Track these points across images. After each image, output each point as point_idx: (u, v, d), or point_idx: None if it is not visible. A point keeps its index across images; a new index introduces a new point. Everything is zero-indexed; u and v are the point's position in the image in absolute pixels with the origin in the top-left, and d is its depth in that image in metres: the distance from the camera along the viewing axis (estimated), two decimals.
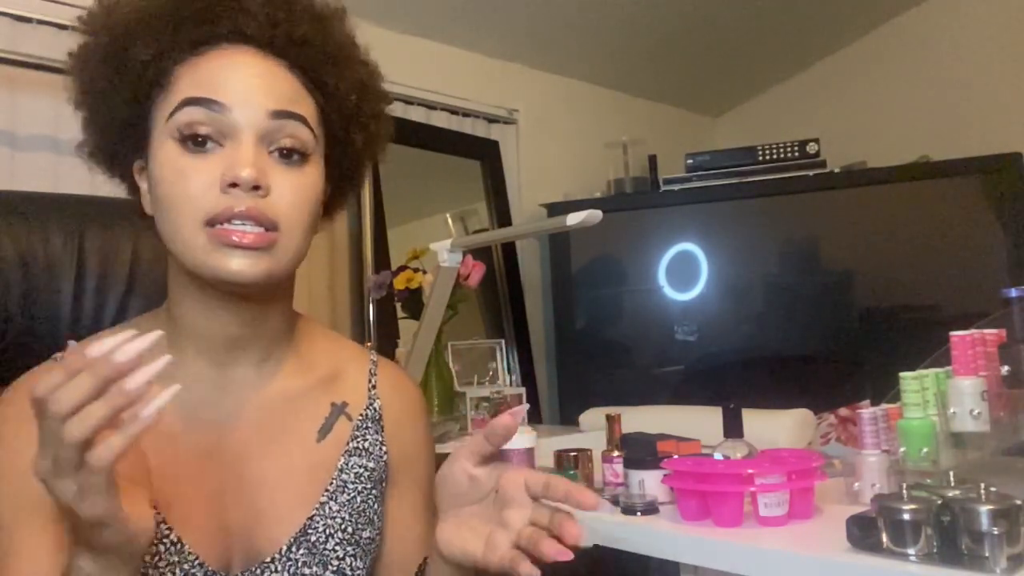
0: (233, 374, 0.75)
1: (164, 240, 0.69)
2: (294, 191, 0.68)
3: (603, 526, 0.95)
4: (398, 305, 1.84)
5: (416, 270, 1.73)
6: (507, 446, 1.10)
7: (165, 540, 0.68)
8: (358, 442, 0.80)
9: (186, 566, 0.68)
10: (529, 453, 1.12)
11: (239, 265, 0.65)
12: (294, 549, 0.73)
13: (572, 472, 1.06)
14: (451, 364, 1.79)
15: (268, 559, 0.72)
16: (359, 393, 0.83)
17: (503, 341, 2.10)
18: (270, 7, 0.70)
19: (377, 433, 0.82)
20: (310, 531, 0.74)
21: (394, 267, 1.83)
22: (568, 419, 2.05)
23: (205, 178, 0.65)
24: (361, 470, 0.79)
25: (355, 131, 0.77)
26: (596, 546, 0.95)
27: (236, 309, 0.72)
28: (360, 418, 0.81)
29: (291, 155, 0.69)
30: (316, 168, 0.72)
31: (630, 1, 2.27)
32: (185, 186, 0.66)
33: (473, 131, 2.30)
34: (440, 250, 1.36)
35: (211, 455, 0.73)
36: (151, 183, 0.70)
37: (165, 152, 0.67)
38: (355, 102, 0.76)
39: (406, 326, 1.84)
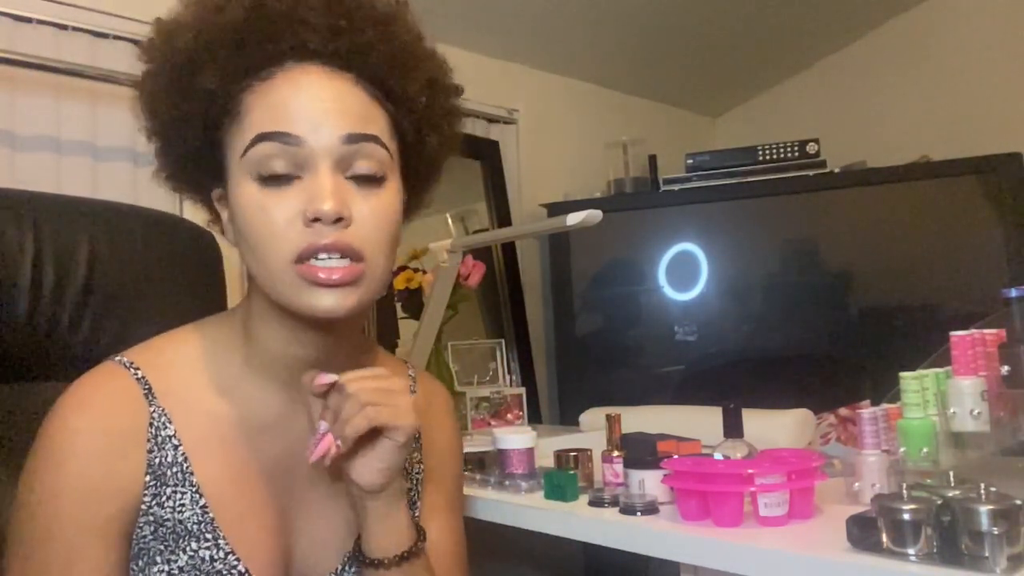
0: (302, 396, 0.74)
1: (250, 272, 0.71)
2: (375, 216, 0.68)
3: (603, 526, 0.95)
4: (398, 305, 1.83)
5: (416, 270, 1.73)
6: (507, 446, 1.11)
7: (233, 571, 0.69)
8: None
9: None
10: (529, 453, 1.12)
11: (329, 303, 0.66)
12: (347, 569, 0.76)
13: (572, 472, 1.06)
14: (451, 364, 1.79)
15: None
16: None
17: (503, 341, 2.10)
18: (331, 17, 0.69)
19: (418, 451, 0.85)
20: (359, 554, 0.74)
21: (394, 267, 1.83)
22: (568, 419, 2.05)
23: (287, 213, 0.66)
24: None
25: (428, 133, 0.76)
26: (596, 546, 0.95)
27: (317, 335, 0.73)
28: None
29: (369, 179, 0.69)
30: (394, 185, 0.72)
31: (630, 1, 2.27)
32: (268, 223, 0.66)
33: (473, 131, 2.30)
34: (440, 250, 1.36)
35: (274, 480, 0.74)
36: (232, 215, 0.70)
37: (244, 189, 0.67)
38: (425, 103, 0.75)
39: (406, 326, 1.84)
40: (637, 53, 2.56)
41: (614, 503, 0.98)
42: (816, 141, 2.24)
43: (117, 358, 0.73)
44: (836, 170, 2.22)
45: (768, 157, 2.27)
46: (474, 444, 1.25)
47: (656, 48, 2.56)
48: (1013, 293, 0.85)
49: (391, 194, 0.71)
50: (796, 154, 2.24)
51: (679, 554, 0.87)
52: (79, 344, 0.96)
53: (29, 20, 1.48)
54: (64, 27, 1.51)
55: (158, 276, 1.05)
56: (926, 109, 2.54)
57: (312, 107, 0.67)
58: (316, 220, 0.65)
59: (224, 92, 0.68)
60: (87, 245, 0.99)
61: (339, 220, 0.65)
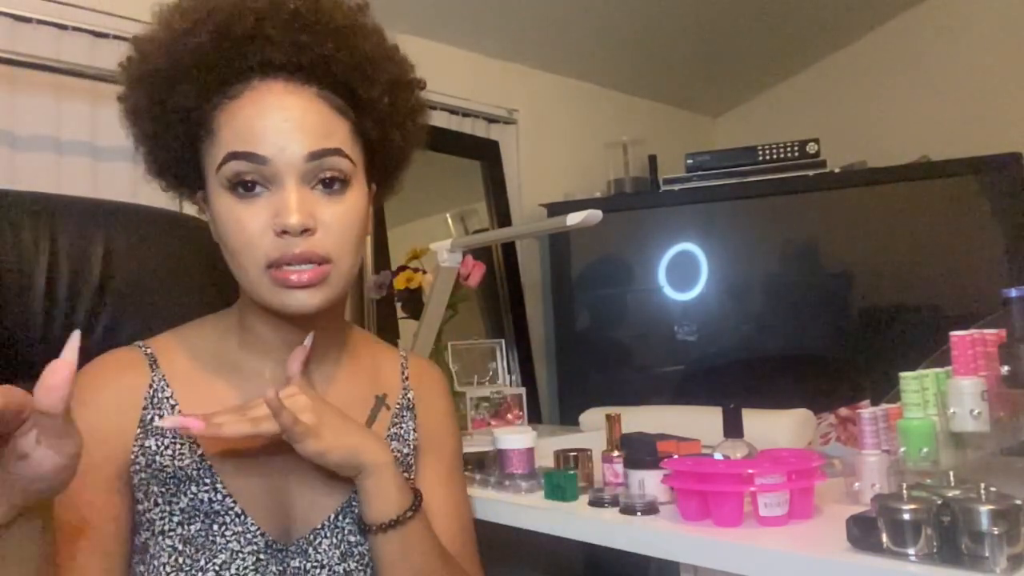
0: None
1: (232, 273, 0.79)
2: (340, 221, 0.76)
3: (603, 526, 0.95)
4: (398, 305, 1.83)
5: (416, 270, 1.73)
6: (507, 446, 1.11)
7: (230, 512, 0.78)
8: (396, 429, 0.91)
9: (248, 535, 0.78)
10: (529, 453, 1.12)
11: (299, 301, 0.75)
12: (341, 518, 0.83)
13: (572, 472, 1.06)
14: (451, 364, 1.79)
15: (319, 525, 0.82)
16: (395, 385, 0.94)
17: (503, 341, 2.10)
18: (293, 33, 0.75)
19: (411, 420, 0.93)
20: (354, 504, 0.83)
21: (394, 267, 1.83)
22: (568, 419, 2.05)
23: (259, 223, 0.74)
24: (398, 454, 0.88)
25: (392, 131, 0.83)
26: (596, 546, 0.95)
27: (297, 324, 0.82)
28: (397, 407, 0.93)
29: (333, 183, 0.77)
30: (359, 188, 0.80)
31: (631, 1, 2.27)
32: (242, 233, 0.75)
33: (473, 131, 2.30)
34: (440, 250, 1.36)
35: (275, 441, 0.79)
36: (212, 222, 0.80)
37: (220, 201, 0.76)
38: (388, 103, 0.81)
39: (406, 326, 1.83)
40: (637, 53, 2.56)
41: (614, 503, 0.98)
42: (816, 141, 2.24)
43: (136, 343, 0.84)
44: (836, 170, 2.22)
45: (768, 157, 2.27)
46: (474, 444, 1.25)
47: (656, 48, 2.56)
48: (1013, 293, 0.85)
49: (355, 197, 0.78)
50: (796, 154, 2.25)
51: (679, 554, 0.87)
52: (94, 343, 0.96)
53: (29, 20, 1.48)
54: (64, 27, 1.51)
55: (173, 275, 1.07)
56: (926, 109, 2.54)
57: (277, 128, 0.74)
58: (284, 232, 0.73)
59: (198, 108, 0.76)
60: (102, 245, 1.01)
61: (305, 231, 0.74)
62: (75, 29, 1.52)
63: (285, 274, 0.74)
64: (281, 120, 0.74)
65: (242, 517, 0.78)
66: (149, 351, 0.82)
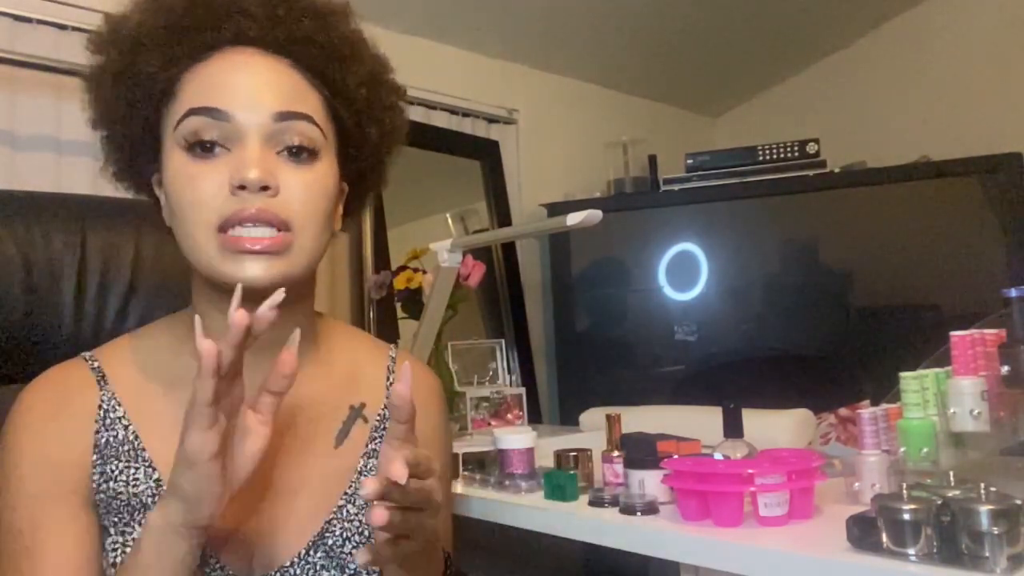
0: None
1: (181, 249, 0.70)
2: (305, 188, 0.68)
3: (603, 526, 0.95)
4: (398, 305, 1.83)
5: (416, 270, 1.73)
6: (507, 446, 1.11)
7: None
8: (376, 444, 0.80)
9: (207, 570, 0.69)
10: (529, 453, 1.12)
11: (253, 271, 0.66)
12: (312, 553, 0.74)
13: (572, 472, 1.06)
14: (451, 364, 1.79)
15: (287, 563, 0.73)
16: (377, 392, 0.83)
17: (503, 341, 2.10)
18: (270, 7, 0.70)
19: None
20: (327, 535, 0.75)
21: (394, 267, 1.83)
22: (568, 419, 2.05)
23: (214, 183, 0.66)
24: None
25: (368, 125, 0.77)
26: (596, 546, 0.95)
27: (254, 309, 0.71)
28: (378, 419, 0.81)
29: (300, 153, 0.69)
30: (328, 165, 0.72)
31: (630, 1, 2.27)
32: (195, 192, 0.66)
33: (473, 131, 2.30)
34: (440, 250, 1.36)
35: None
36: (165, 193, 0.71)
37: (174, 161, 0.68)
38: (365, 96, 0.75)
39: (406, 326, 1.83)
40: (637, 53, 2.56)
41: (614, 503, 0.98)
42: (816, 141, 2.24)
43: (83, 354, 0.77)
44: (836, 170, 2.22)
45: (768, 157, 2.27)
46: (474, 444, 1.25)
47: (656, 48, 2.56)
48: (1013, 293, 0.85)
49: (324, 172, 0.71)
50: (796, 154, 2.25)
51: (679, 554, 0.87)
52: None
53: (29, 20, 1.48)
54: (64, 27, 1.51)
55: None
56: (926, 109, 2.54)
57: (245, 84, 0.68)
58: (241, 188, 0.65)
59: (165, 76, 0.69)
60: (132, 246, 1.01)
61: (265, 189, 0.65)
62: (75, 29, 1.52)
63: (238, 238, 0.65)
64: (248, 76, 0.68)
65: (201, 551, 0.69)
66: (96, 365, 0.74)
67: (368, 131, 0.77)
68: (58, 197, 1.04)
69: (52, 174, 1.48)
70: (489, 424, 1.62)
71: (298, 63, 0.71)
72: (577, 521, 0.98)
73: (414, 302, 1.73)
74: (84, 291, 0.96)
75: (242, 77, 0.68)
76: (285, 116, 0.68)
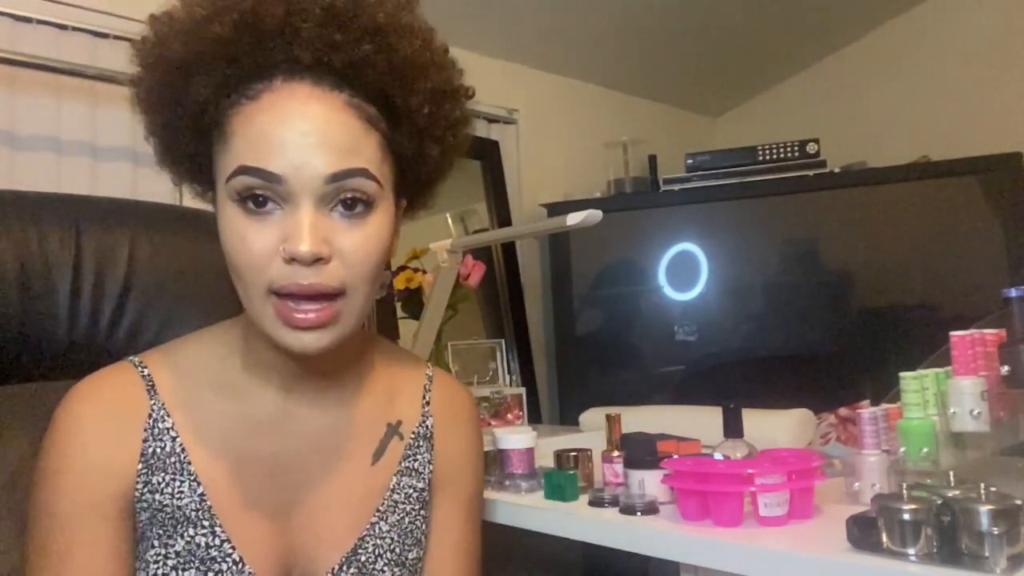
0: (299, 399, 0.77)
1: (238, 293, 0.70)
2: (358, 249, 0.67)
3: (603, 526, 0.95)
4: (398, 305, 1.84)
5: (416, 270, 1.73)
6: (507, 446, 1.11)
7: (228, 559, 0.71)
8: (409, 462, 0.82)
9: None
10: (529, 453, 1.12)
11: (303, 344, 0.67)
12: (345, 568, 0.75)
13: (572, 472, 1.06)
14: (451, 364, 1.79)
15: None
16: (413, 410, 0.84)
17: (503, 341, 2.10)
18: (325, 29, 0.66)
19: (428, 451, 0.84)
20: (360, 551, 0.76)
21: (394, 267, 1.83)
22: (568, 419, 2.05)
23: (267, 245, 0.65)
24: (411, 490, 0.81)
25: (429, 145, 0.74)
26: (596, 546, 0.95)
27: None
28: (412, 436, 0.83)
29: (354, 206, 0.67)
30: (383, 211, 0.70)
31: (631, 1, 2.27)
32: (248, 254, 0.66)
33: (473, 131, 2.30)
34: (440, 250, 1.36)
35: (274, 476, 0.75)
36: (220, 239, 0.70)
37: (227, 213, 0.67)
38: (427, 114, 0.72)
39: (406, 326, 1.84)
40: (637, 53, 2.56)
41: (614, 503, 0.98)
42: (816, 141, 2.25)
43: (130, 358, 0.76)
44: (836, 170, 2.22)
45: (768, 157, 2.27)
46: None
47: (656, 48, 2.56)
48: (1013, 293, 0.85)
49: (379, 221, 0.69)
50: (796, 154, 2.25)
51: (679, 554, 0.87)
52: (118, 344, 0.96)
53: (29, 20, 1.48)
54: (64, 27, 1.51)
55: (198, 276, 1.05)
56: (926, 109, 2.54)
57: (295, 142, 0.64)
58: (294, 260, 0.64)
59: (214, 103, 0.68)
60: (127, 246, 1.00)
61: (318, 260, 0.65)
62: (75, 29, 1.52)
63: (289, 312, 0.65)
64: (300, 133, 0.64)
65: (240, 565, 0.71)
66: (146, 372, 0.74)
67: (428, 151, 0.74)
68: (53, 197, 1.02)
69: (52, 174, 1.48)
70: (489, 424, 1.62)
71: (355, 95, 0.68)
72: (577, 521, 0.98)
73: (414, 302, 1.73)
74: (79, 291, 0.95)
75: (294, 135, 0.65)
76: (339, 176, 0.65)
